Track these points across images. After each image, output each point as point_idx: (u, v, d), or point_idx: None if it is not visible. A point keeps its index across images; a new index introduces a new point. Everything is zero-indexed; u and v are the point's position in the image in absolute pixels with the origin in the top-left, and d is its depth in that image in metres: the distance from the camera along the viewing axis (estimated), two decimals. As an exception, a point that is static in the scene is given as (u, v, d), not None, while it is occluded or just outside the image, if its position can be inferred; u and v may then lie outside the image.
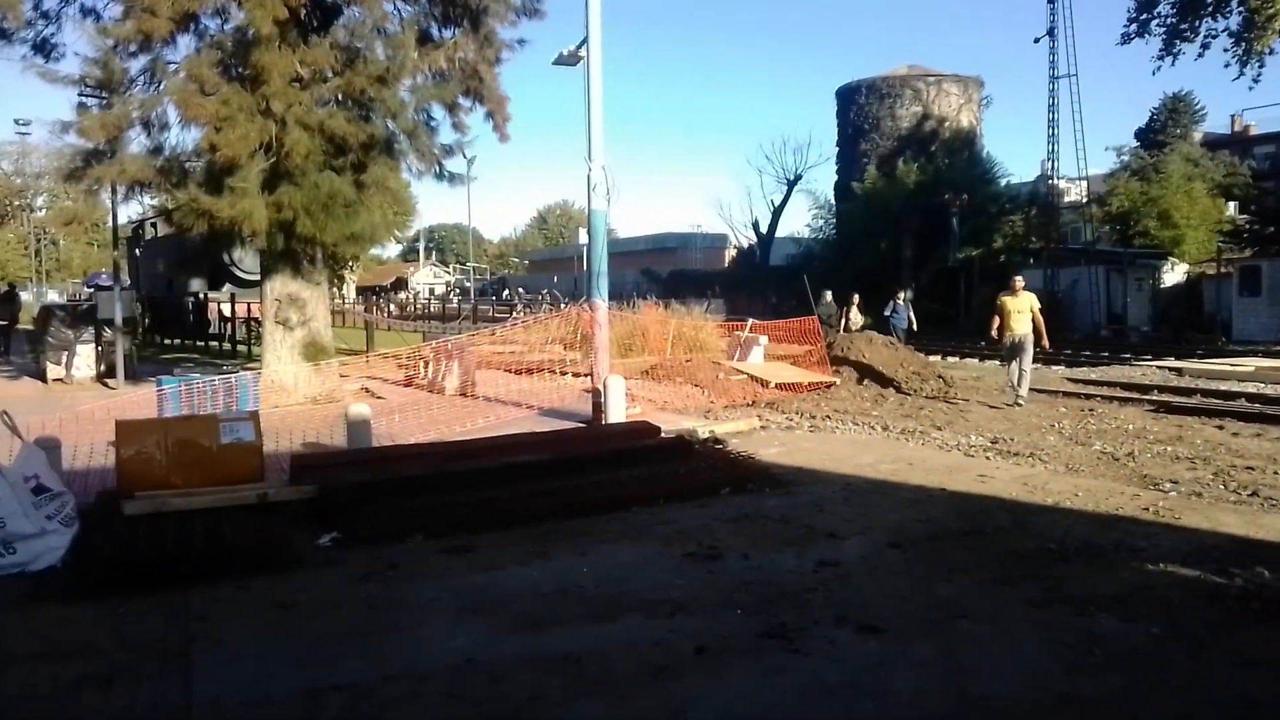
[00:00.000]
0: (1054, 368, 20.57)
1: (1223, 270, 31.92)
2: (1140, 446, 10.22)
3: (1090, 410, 13.11)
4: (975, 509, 7.17)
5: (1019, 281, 14.06)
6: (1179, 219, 36.48)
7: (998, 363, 16.61)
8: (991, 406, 13.26)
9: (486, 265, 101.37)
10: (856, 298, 22.25)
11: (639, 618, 4.94)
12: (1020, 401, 13.38)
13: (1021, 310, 13.74)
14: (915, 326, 23.23)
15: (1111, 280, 34.02)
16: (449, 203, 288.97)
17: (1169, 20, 30.41)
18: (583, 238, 20.95)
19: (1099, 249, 37.17)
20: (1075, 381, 17.22)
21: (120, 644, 4.69)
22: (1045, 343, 14.23)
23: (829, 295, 22.52)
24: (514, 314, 38.23)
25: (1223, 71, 47.14)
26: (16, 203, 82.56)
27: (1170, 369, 19.09)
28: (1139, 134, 49.83)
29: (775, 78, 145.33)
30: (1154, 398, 14.44)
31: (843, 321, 21.25)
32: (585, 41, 11.95)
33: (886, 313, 23.01)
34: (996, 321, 14.13)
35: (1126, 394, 15.01)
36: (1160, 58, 30.96)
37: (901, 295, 23.84)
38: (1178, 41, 30.30)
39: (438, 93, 15.12)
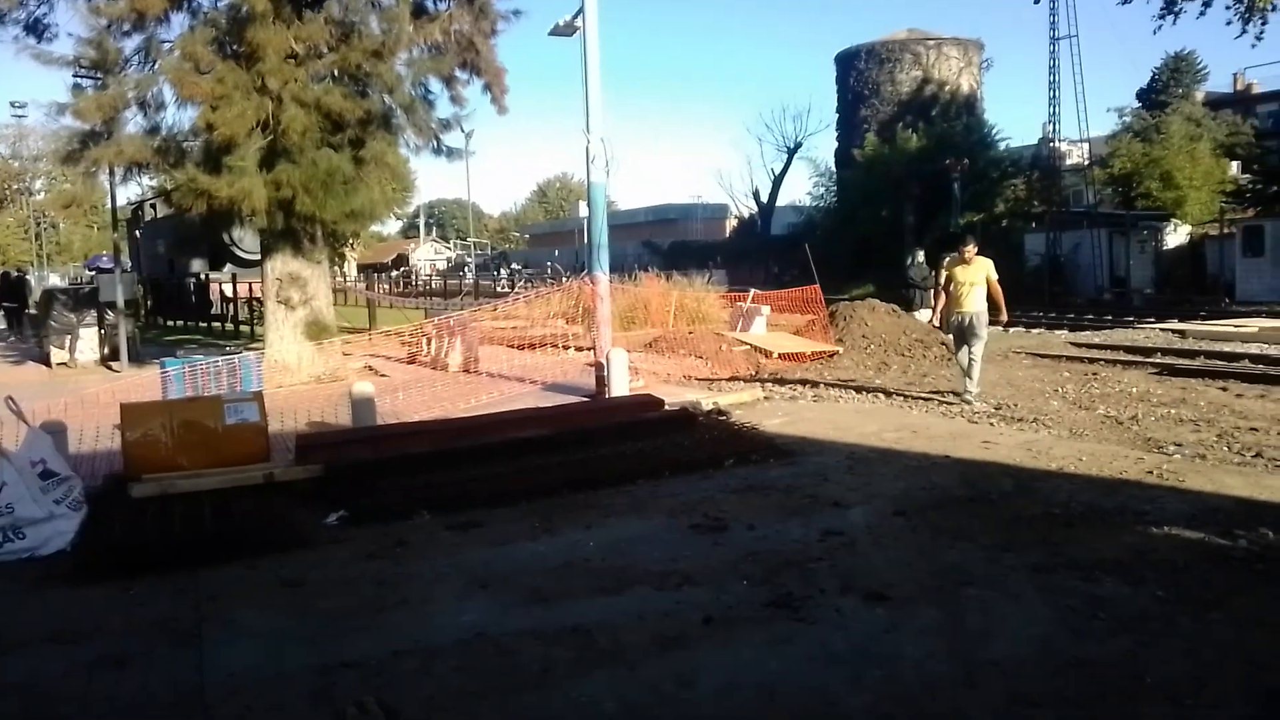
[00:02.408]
0: (1057, 332, 20.56)
1: (1226, 231, 31.80)
2: (1144, 410, 10.22)
3: (1094, 374, 13.10)
4: (979, 475, 7.18)
5: (970, 247, 11.21)
6: (1181, 180, 36.26)
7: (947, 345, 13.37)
8: (951, 389, 13.14)
9: (487, 240, 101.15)
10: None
11: (646, 589, 4.96)
12: (970, 399, 10.87)
13: (974, 282, 11.02)
14: None
15: (1114, 243, 33.88)
16: (448, 178, 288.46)
17: (1170, -22, 30.06)
18: (583, 211, 20.84)
19: (1101, 211, 37.01)
20: (1078, 345, 17.20)
21: (131, 625, 4.73)
22: (1004, 317, 11.67)
23: (920, 255, 20.53)
24: (514, 290, 38.16)
25: (1224, 30, 46.80)
26: (15, 186, 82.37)
27: (1173, 331, 19.05)
28: (1141, 94, 49.44)
29: (774, 44, 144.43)
30: (1157, 360, 14.41)
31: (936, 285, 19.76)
32: (581, 11, 11.86)
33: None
34: (943, 300, 11.49)
35: (1130, 357, 14.98)
36: (1161, 16, 30.57)
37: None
38: (1179, 0, 29.98)
39: (434, 66, 15.06)
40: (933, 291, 18.20)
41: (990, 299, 11.15)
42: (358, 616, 4.74)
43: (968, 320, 11.00)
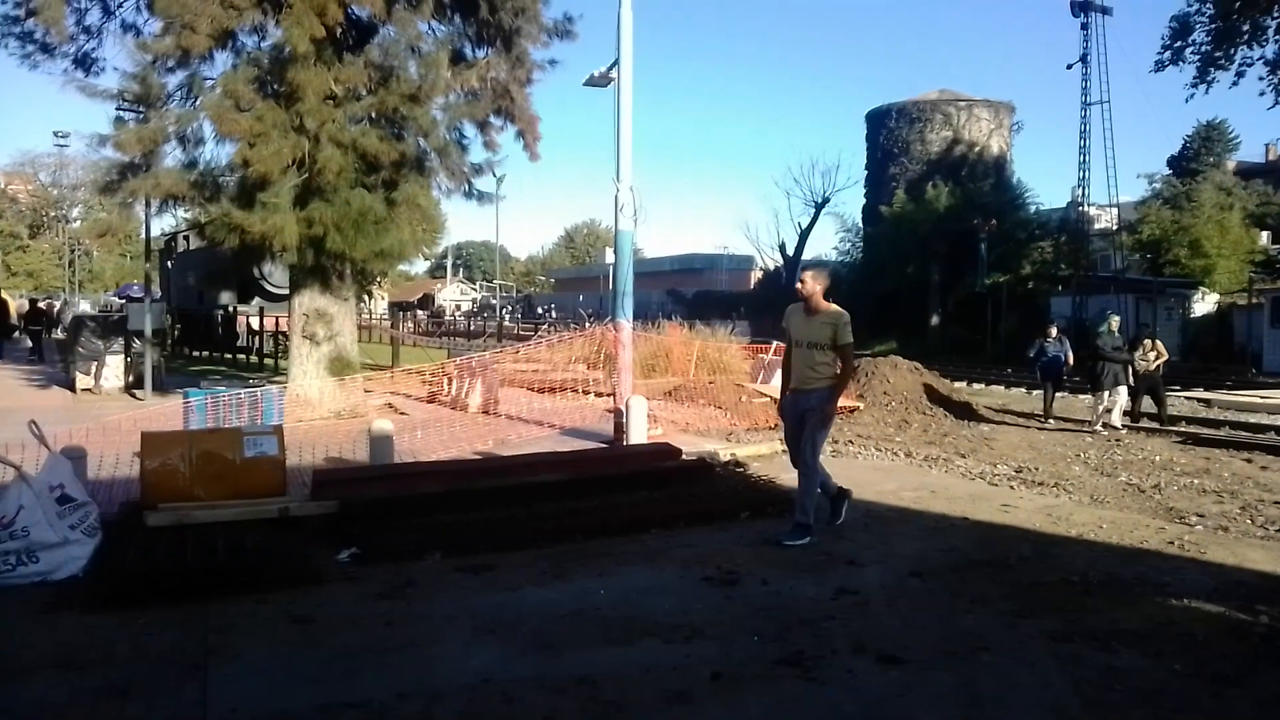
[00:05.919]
0: (1081, 396, 20.34)
1: (1254, 300, 31.59)
2: (1167, 479, 10.11)
3: (1116, 440, 12.98)
4: (998, 539, 7.10)
5: (813, 281, 6.93)
6: (1210, 248, 36.15)
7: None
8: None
9: (513, 283, 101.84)
10: (1160, 345, 16.16)
11: (655, 642, 4.91)
12: (792, 541, 6.78)
13: (816, 342, 6.91)
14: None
15: (1141, 309, 33.73)
16: (477, 220, 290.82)
17: (1204, 48, 30.24)
18: (609, 257, 20.89)
19: (1128, 277, 36.91)
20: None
21: (138, 655, 4.72)
22: (839, 402, 7.33)
23: (1115, 321, 15.79)
24: (538, 332, 38.33)
25: (1257, 100, 47.00)
26: (52, 214, 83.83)
27: (1199, 400, 18.90)
28: (1171, 162, 49.50)
29: (805, 101, 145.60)
30: (1181, 429, 14.29)
31: (1133, 365, 15.41)
32: (616, 63, 12.02)
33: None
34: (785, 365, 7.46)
35: (1153, 425, 14.84)
36: (1194, 85, 30.77)
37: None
38: (1212, 69, 30.11)
39: (469, 111, 15.24)
40: (1124, 368, 15.04)
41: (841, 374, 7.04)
42: (364, 656, 4.71)
43: (803, 402, 7.06)
